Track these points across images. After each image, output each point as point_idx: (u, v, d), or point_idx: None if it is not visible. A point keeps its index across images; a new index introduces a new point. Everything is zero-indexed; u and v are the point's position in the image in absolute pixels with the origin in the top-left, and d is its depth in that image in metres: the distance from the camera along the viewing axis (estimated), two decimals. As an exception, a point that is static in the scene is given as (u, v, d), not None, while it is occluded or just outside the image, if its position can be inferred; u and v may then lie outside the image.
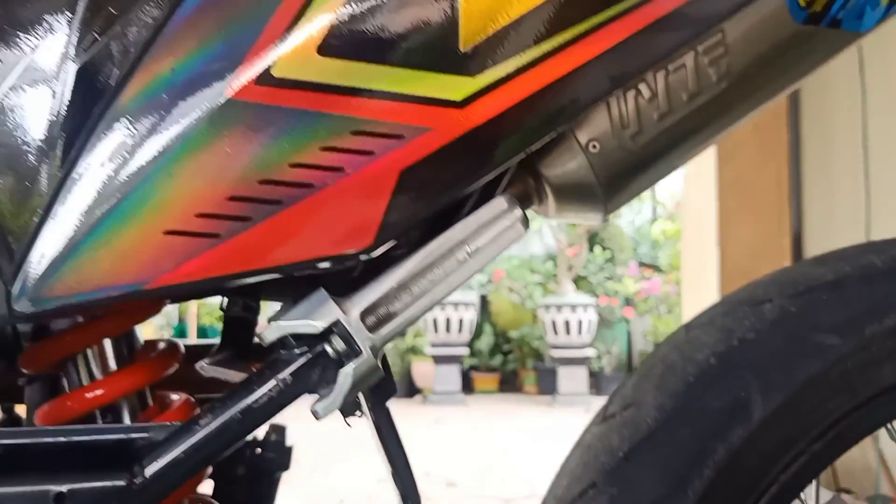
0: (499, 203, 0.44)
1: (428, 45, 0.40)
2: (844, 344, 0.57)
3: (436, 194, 0.42)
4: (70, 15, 0.40)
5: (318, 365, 0.43)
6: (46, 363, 0.55)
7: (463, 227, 0.43)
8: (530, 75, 0.41)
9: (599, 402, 6.65)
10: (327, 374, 0.43)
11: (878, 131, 2.43)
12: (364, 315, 0.42)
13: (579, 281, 7.53)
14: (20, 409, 0.75)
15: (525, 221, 0.44)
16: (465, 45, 0.41)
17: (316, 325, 0.42)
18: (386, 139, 0.40)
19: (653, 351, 0.66)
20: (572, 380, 6.76)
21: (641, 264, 7.77)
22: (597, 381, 7.17)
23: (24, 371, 0.56)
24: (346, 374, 0.42)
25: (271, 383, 0.42)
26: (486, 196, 0.46)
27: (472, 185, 0.43)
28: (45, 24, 0.40)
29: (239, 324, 0.53)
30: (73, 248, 0.39)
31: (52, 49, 0.39)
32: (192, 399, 0.57)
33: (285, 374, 0.43)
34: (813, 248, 2.71)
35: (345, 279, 0.46)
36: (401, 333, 0.43)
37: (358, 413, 0.48)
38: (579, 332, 6.59)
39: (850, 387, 0.57)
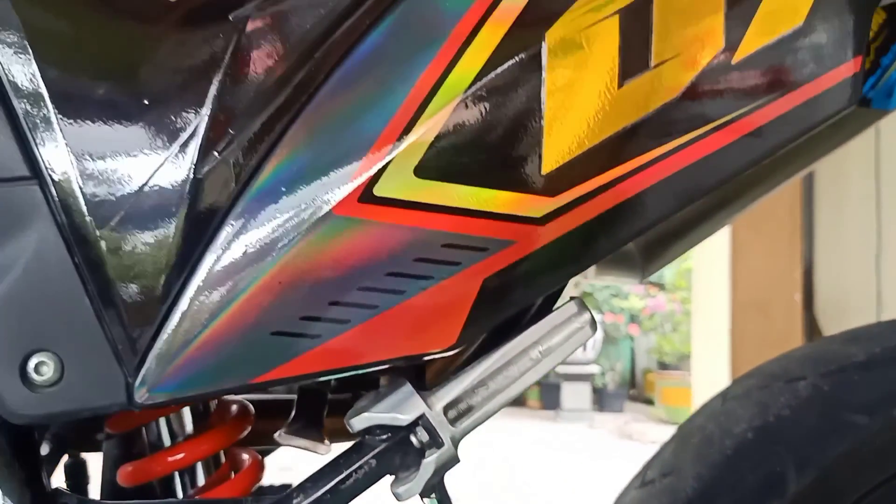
0: (570, 307, 0.48)
1: (514, 169, 0.45)
2: (874, 423, 0.61)
3: (514, 300, 0.46)
4: (193, 133, 0.44)
5: (401, 451, 0.47)
6: (132, 426, 0.59)
7: (537, 329, 0.47)
8: (606, 195, 0.45)
9: (602, 417, 6.70)
10: (409, 459, 0.47)
11: (890, 162, 2.46)
12: (446, 409, 0.46)
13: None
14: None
15: (593, 324, 0.48)
16: (546, 169, 0.45)
17: (403, 418, 0.46)
18: (472, 251, 0.45)
19: (689, 418, 0.70)
20: (576, 395, 6.80)
21: (647, 282, 7.80)
22: (600, 398, 7.21)
23: (108, 429, 0.61)
24: (429, 464, 0.46)
25: (358, 466, 0.46)
26: (551, 295, 0.50)
27: (548, 291, 0.47)
28: (170, 140, 0.44)
29: (313, 396, 0.57)
30: (190, 347, 0.43)
31: (177, 163, 0.44)
32: (260, 457, 0.61)
33: (371, 458, 0.47)
34: (824, 280, 2.74)
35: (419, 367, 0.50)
36: (478, 425, 0.47)
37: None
38: (584, 348, 6.61)
39: (879, 463, 0.61)
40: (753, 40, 0.46)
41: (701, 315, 3.45)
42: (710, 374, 3.40)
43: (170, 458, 0.57)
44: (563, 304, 0.48)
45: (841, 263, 2.70)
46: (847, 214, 2.65)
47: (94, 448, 0.68)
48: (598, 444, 5.62)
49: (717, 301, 3.12)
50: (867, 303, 2.56)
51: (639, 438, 5.70)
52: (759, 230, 2.79)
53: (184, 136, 0.44)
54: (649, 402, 7.25)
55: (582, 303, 0.48)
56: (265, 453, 0.67)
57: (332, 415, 0.61)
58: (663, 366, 7.48)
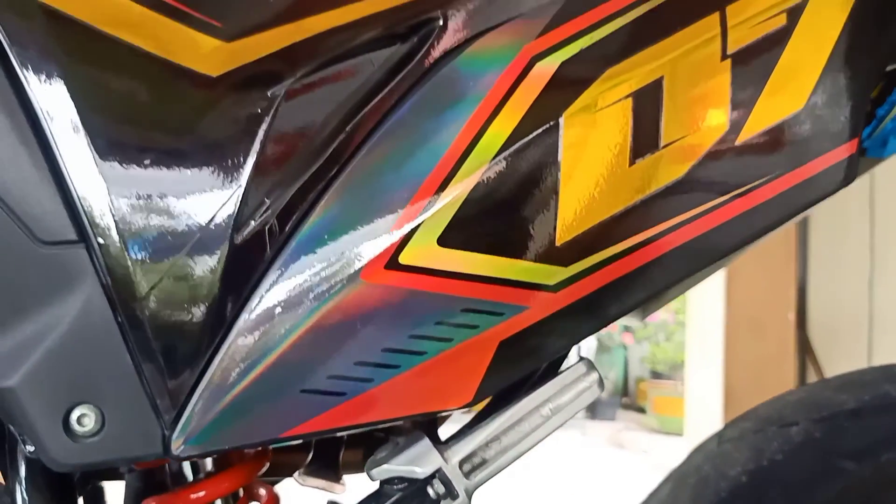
0: (579, 368, 0.51)
1: (529, 240, 0.48)
2: (862, 469, 0.64)
3: (528, 361, 0.49)
4: (232, 201, 0.47)
5: (417, 499, 0.50)
6: (158, 462, 0.62)
7: (548, 388, 0.50)
8: (614, 266, 0.48)
9: (594, 425, 6.73)
10: None
11: (883, 185, 2.50)
12: (461, 462, 0.49)
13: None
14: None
15: (601, 383, 0.51)
16: (560, 240, 0.48)
17: (421, 472, 0.49)
18: (489, 315, 0.48)
19: (687, 458, 0.73)
20: (569, 403, 6.80)
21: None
22: (593, 406, 7.23)
23: (133, 463, 0.63)
24: None
25: None
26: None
27: (560, 353, 0.51)
28: (210, 207, 0.47)
29: (330, 440, 0.60)
30: (223, 402, 0.46)
31: (215, 229, 0.46)
32: (276, 492, 0.64)
33: None
34: (817, 300, 2.78)
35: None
36: (491, 478, 0.50)
37: None
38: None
39: (867, 506, 0.64)
40: (756, 123, 0.49)
41: (695, 330, 3.49)
42: (702, 388, 3.43)
43: (192, 496, 0.60)
44: (573, 365, 0.51)
45: (834, 284, 2.74)
46: (841, 236, 2.69)
47: (117, 478, 0.71)
48: (591, 452, 5.65)
49: (711, 317, 3.15)
50: (859, 324, 2.60)
51: (631, 447, 5.73)
52: (755, 249, 2.82)
53: (222, 203, 0.47)
54: (641, 410, 7.28)
55: (590, 363, 0.51)
56: (275, 482, 0.70)
57: (346, 448, 0.64)
58: (656, 375, 7.52)
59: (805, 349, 2.81)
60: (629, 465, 4.93)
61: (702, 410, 3.57)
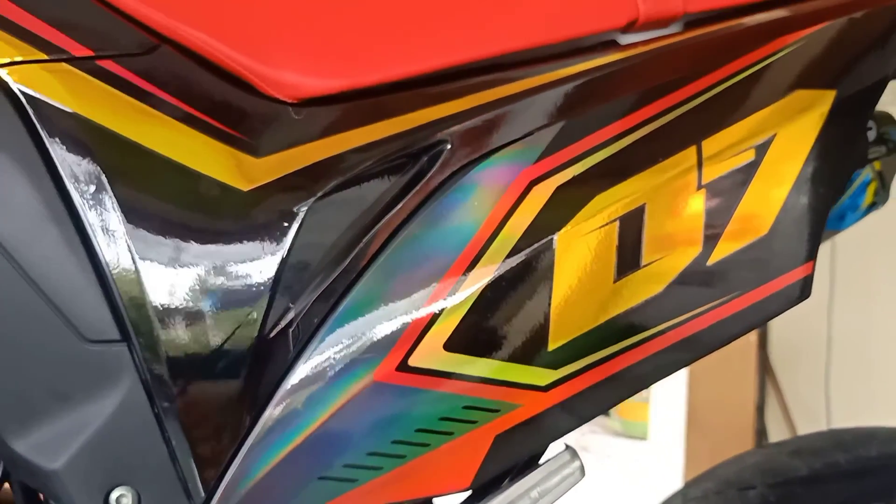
0: (564, 456, 0.57)
1: (524, 346, 0.54)
2: (815, 535, 0.72)
3: (521, 451, 0.55)
4: (259, 306, 0.52)
5: None
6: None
7: (536, 474, 0.56)
8: (599, 369, 0.55)
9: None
10: None
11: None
12: None
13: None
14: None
15: (582, 470, 0.58)
16: (552, 346, 0.54)
17: None
18: (487, 412, 0.54)
19: (654, 515, 0.80)
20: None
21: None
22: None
23: None
24: None
25: None
26: None
27: (550, 443, 0.57)
28: (239, 310, 0.52)
29: None
30: (247, 487, 0.52)
31: (244, 331, 0.52)
32: None
33: None
34: (778, 323, 2.86)
35: None
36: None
37: None
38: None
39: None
40: (725, 247, 0.56)
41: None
42: (667, 395, 3.52)
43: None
44: (559, 453, 0.57)
45: (795, 307, 2.82)
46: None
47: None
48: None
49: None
50: (818, 345, 2.71)
51: (595, 451, 5.85)
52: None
53: (252, 307, 0.52)
54: (606, 414, 7.43)
55: (574, 452, 0.57)
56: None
57: None
58: (621, 379, 7.66)
59: (765, 367, 2.91)
60: (593, 468, 5.04)
61: (666, 416, 3.66)
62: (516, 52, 0.60)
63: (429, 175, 0.55)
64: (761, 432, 2.82)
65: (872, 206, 0.88)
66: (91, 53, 0.52)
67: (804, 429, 2.70)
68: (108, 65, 0.52)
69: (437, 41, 0.59)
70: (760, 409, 2.77)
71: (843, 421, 2.54)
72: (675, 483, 2.61)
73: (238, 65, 0.55)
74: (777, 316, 0.58)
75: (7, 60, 0.50)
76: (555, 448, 0.57)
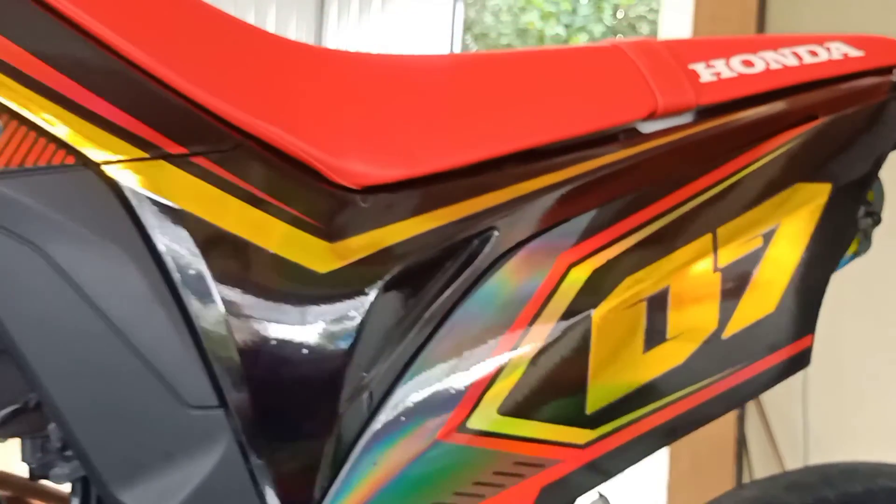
0: (594, 496, 0.66)
1: (566, 409, 0.62)
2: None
3: (563, 499, 0.64)
4: (338, 377, 0.60)
5: None
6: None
7: (572, 518, 0.65)
8: (630, 429, 0.63)
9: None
10: None
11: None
12: None
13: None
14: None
15: (608, 509, 0.67)
16: (589, 410, 0.63)
17: None
18: (531, 466, 0.62)
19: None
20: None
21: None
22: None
23: None
24: None
25: None
26: None
27: (588, 491, 0.65)
28: (320, 380, 0.60)
29: None
30: None
31: (325, 400, 0.60)
32: None
33: None
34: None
35: None
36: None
37: None
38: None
39: None
40: (738, 323, 0.65)
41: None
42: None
43: None
44: (594, 501, 0.66)
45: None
46: None
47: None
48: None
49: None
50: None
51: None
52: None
53: (331, 375, 0.60)
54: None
55: (605, 499, 0.66)
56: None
57: None
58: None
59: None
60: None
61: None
62: (553, 143, 0.68)
63: (479, 257, 0.64)
64: (741, 441, 2.92)
65: (855, 255, 0.98)
66: (186, 151, 0.60)
67: (782, 435, 2.80)
68: (200, 160, 0.60)
69: (483, 134, 0.68)
70: (741, 418, 2.87)
71: (820, 426, 2.65)
72: (659, 489, 2.71)
73: (309, 156, 0.63)
74: (779, 382, 0.67)
75: (114, 159, 0.58)
76: (589, 495, 0.66)
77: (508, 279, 0.63)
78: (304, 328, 0.61)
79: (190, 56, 0.62)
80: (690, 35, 2.68)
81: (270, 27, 6.27)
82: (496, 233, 0.64)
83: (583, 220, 0.64)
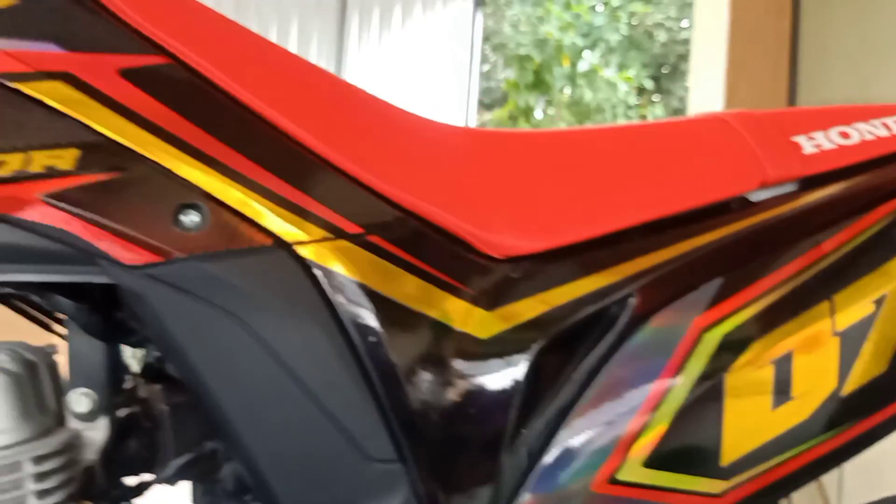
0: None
1: (704, 463, 0.69)
2: None
3: None
4: (501, 435, 0.67)
5: None
6: None
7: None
8: (759, 479, 0.70)
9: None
10: None
11: None
12: None
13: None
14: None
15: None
16: (724, 462, 0.69)
17: None
18: None
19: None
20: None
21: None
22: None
23: None
24: None
25: None
26: None
27: None
28: (484, 437, 0.67)
29: None
30: None
31: (487, 454, 0.67)
32: None
33: None
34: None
35: None
36: None
37: None
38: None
39: None
40: (854, 382, 0.72)
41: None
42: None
43: None
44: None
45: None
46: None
47: None
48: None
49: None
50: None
51: None
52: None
53: (494, 432, 0.68)
54: None
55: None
56: None
57: None
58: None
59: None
60: None
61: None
62: (677, 214, 0.75)
63: (619, 322, 0.71)
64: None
65: None
66: (362, 231, 0.67)
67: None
68: (374, 238, 0.67)
69: (613, 207, 0.75)
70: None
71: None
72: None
73: (463, 230, 0.70)
74: (892, 433, 0.74)
75: (304, 240, 0.65)
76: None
77: (648, 343, 0.70)
78: (470, 388, 0.68)
79: (361, 144, 0.70)
80: (725, 57, 2.74)
81: (293, 43, 6.37)
82: (633, 299, 0.71)
83: (711, 287, 0.71)
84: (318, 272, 0.65)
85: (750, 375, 0.70)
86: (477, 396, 0.68)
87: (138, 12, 0.65)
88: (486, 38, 8.18)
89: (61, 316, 0.78)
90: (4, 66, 0.59)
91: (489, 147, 0.77)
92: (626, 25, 9.13)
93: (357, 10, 6.72)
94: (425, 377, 0.67)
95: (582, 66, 8.22)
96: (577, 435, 0.68)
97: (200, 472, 0.75)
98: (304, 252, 0.65)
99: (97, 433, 0.70)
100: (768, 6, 2.78)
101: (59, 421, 0.69)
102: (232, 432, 0.66)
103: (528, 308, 0.69)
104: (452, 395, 0.68)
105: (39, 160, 0.59)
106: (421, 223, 0.69)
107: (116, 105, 0.62)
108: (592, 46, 8.63)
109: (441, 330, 0.68)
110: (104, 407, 0.70)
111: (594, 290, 0.70)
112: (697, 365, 0.69)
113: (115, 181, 0.61)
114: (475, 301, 0.69)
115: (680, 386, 0.69)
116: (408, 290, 0.67)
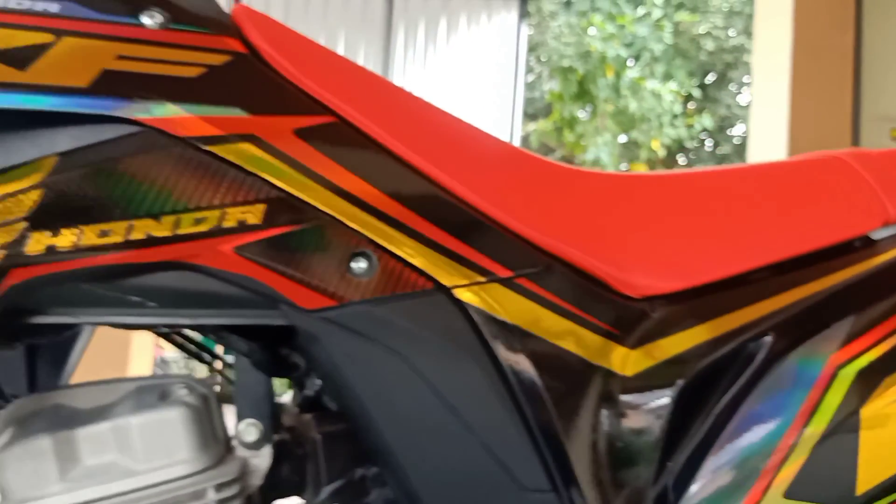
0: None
1: (839, 493, 0.72)
2: None
3: None
4: (647, 459, 0.71)
5: None
6: None
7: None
8: (887, 510, 0.73)
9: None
10: None
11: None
12: None
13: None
14: None
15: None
16: (858, 491, 0.73)
17: None
18: None
19: None
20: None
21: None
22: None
23: None
24: None
25: None
26: None
27: None
28: (633, 475, 0.71)
29: None
30: None
31: (635, 491, 0.71)
32: None
33: None
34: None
35: None
36: None
37: None
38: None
39: None
40: None
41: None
42: None
43: None
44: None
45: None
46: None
47: None
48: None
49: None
50: None
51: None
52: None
53: (642, 465, 0.72)
54: None
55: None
56: None
57: None
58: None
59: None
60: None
61: None
62: (806, 254, 0.79)
63: (757, 360, 0.74)
64: None
65: None
66: (511, 274, 0.72)
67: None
68: (522, 281, 0.72)
69: (743, 248, 0.79)
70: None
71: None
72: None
73: (602, 271, 0.74)
74: None
75: (461, 283, 0.70)
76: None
77: (785, 379, 0.73)
78: (618, 423, 0.72)
79: (507, 194, 0.75)
80: (789, 72, 2.75)
81: (340, 55, 6.47)
82: (768, 338, 0.74)
83: (844, 325, 0.75)
84: (473, 313, 0.70)
85: (884, 408, 0.73)
86: (624, 430, 0.72)
87: (306, 75, 0.70)
88: (530, 49, 8.22)
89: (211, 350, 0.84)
90: (199, 130, 0.65)
91: (621, 191, 0.81)
92: (670, 34, 9.10)
93: (403, 24, 6.81)
94: (575, 411, 0.72)
95: (627, 77, 8.22)
96: (721, 468, 0.72)
97: (350, 497, 0.80)
98: (461, 294, 0.70)
99: (261, 460, 0.76)
100: (832, 21, 2.79)
101: (229, 449, 0.74)
102: (393, 461, 0.71)
103: (671, 346, 0.73)
104: (601, 428, 0.72)
105: (233, 216, 0.65)
106: (563, 265, 0.74)
107: (294, 163, 0.67)
108: (637, 57, 8.62)
109: (587, 367, 0.72)
110: (268, 436, 0.75)
111: (732, 329, 0.74)
112: (834, 400, 0.72)
113: (295, 233, 0.67)
114: (618, 339, 0.73)
115: (817, 420, 0.72)
116: (553, 328, 0.72)
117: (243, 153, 0.66)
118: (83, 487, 0.67)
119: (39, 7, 0.63)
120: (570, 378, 0.72)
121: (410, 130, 0.74)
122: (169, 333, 0.84)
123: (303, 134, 0.68)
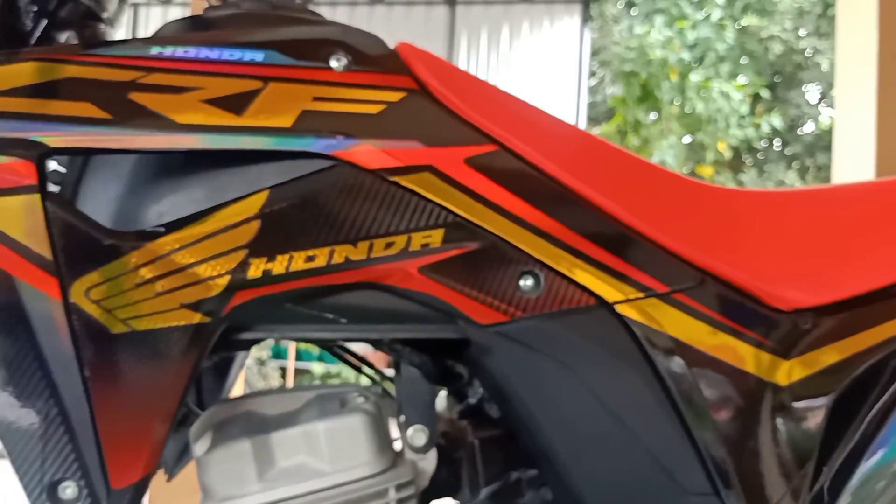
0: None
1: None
2: None
3: None
4: (803, 466, 0.75)
5: None
6: None
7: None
8: None
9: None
10: None
11: None
12: None
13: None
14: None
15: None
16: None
17: None
18: None
19: None
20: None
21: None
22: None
23: None
24: None
25: None
26: None
27: None
28: (781, 478, 0.75)
29: None
30: None
31: (797, 476, 0.75)
32: None
33: None
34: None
35: None
36: None
37: None
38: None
39: None
40: None
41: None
42: None
43: None
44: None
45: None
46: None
47: None
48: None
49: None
50: None
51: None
52: None
53: (797, 468, 0.75)
54: None
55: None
56: None
57: None
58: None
59: None
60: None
61: None
62: None
63: None
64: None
65: None
66: (669, 289, 0.76)
67: None
68: (679, 296, 0.77)
69: (881, 262, 0.82)
70: None
71: None
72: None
73: (753, 286, 0.78)
74: None
75: (622, 299, 0.75)
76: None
77: None
78: (774, 430, 0.76)
79: (661, 213, 0.79)
80: (875, 78, 2.71)
81: (406, 64, 6.56)
82: None
83: None
84: (634, 327, 0.75)
85: None
86: (780, 437, 0.76)
87: (470, 107, 0.76)
88: (593, 53, 8.20)
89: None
90: (383, 162, 0.71)
91: (762, 207, 0.85)
92: (733, 34, 8.97)
93: (465, 30, 6.87)
94: (733, 419, 0.76)
95: (692, 79, 8.13)
96: (875, 474, 0.75)
97: (506, 499, 0.85)
98: (622, 309, 0.75)
99: (427, 463, 0.81)
100: (918, 27, 2.74)
101: (398, 454, 0.81)
102: (558, 465, 0.76)
103: (824, 357, 0.77)
104: (759, 435, 0.76)
105: (417, 240, 0.71)
106: (715, 280, 0.78)
107: (467, 190, 0.73)
108: (700, 59, 8.52)
109: (743, 377, 0.76)
110: (434, 440, 0.81)
111: (879, 342, 0.77)
112: None
113: (470, 254, 0.73)
114: (772, 350, 0.77)
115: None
116: (710, 340, 0.76)
117: (423, 182, 0.72)
118: (278, 487, 0.74)
119: (248, 57, 0.70)
120: (726, 387, 0.76)
121: (564, 154, 0.79)
122: (332, 347, 0.90)
123: (472, 162, 0.74)
